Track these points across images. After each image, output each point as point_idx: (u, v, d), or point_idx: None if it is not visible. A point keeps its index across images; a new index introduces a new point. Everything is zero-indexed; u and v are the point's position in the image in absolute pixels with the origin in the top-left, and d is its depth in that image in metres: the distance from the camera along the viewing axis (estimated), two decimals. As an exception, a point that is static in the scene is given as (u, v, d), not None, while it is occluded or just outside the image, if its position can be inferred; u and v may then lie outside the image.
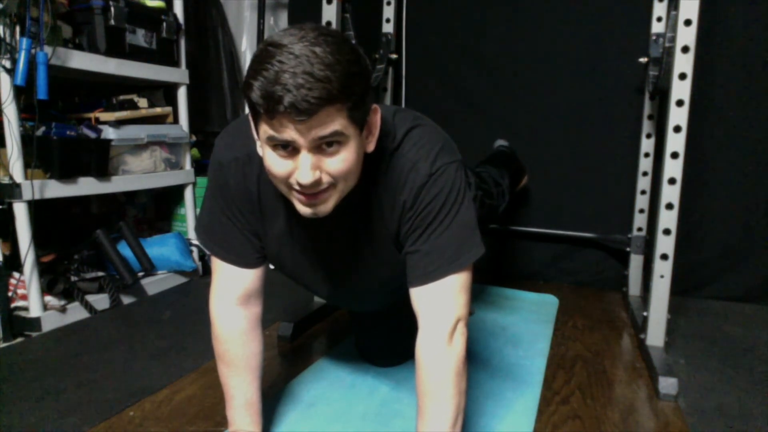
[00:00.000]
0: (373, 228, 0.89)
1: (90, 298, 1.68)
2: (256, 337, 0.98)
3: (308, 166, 0.70)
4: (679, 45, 1.29)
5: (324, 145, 0.71)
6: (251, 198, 0.90)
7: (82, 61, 1.65)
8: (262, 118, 0.69)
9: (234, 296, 0.95)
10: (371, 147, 0.79)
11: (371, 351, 1.35)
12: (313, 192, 0.74)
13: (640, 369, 1.38)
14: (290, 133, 0.68)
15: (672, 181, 1.34)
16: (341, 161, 0.72)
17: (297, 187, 0.74)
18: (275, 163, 0.73)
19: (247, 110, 0.75)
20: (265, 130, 0.70)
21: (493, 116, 2.16)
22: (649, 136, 1.85)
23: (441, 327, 0.83)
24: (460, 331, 0.84)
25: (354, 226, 0.90)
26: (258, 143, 0.77)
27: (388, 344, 1.32)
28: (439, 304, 0.84)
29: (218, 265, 0.95)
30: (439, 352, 0.83)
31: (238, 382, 0.96)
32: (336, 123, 0.69)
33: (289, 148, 0.71)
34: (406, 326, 1.35)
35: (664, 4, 1.72)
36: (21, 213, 1.48)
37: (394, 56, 2.15)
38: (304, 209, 0.77)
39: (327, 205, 0.77)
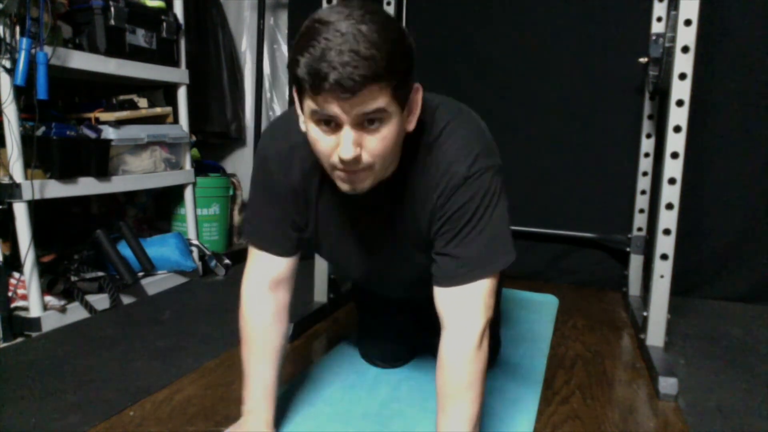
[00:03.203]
0: (407, 218, 0.92)
1: (90, 298, 1.68)
2: (281, 323, 1.01)
3: (350, 141, 0.72)
4: (679, 45, 1.30)
5: (366, 122, 0.72)
6: (295, 188, 0.94)
7: (82, 61, 1.65)
8: (307, 93, 0.71)
9: (265, 280, 0.98)
10: (411, 126, 0.81)
11: (374, 353, 1.34)
12: (353, 170, 0.76)
13: (640, 369, 1.38)
14: (334, 109, 0.70)
15: (672, 181, 1.34)
16: (381, 139, 0.74)
17: (339, 165, 0.75)
18: (318, 139, 0.75)
19: (285, 98, 0.77)
20: (309, 104, 0.72)
21: (492, 117, 2.09)
22: (649, 136, 1.85)
23: (471, 330, 0.84)
24: (487, 334, 0.86)
25: (391, 213, 0.93)
26: (302, 119, 0.79)
27: (392, 348, 1.33)
28: (469, 307, 0.85)
29: (253, 252, 0.99)
30: (470, 355, 0.84)
31: (256, 364, 0.98)
32: (379, 100, 0.70)
33: (332, 124, 0.73)
34: (412, 330, 1.36)
35: (664, 4, 1.72)
36: (21, 213, 1.48)
37: (394, 56, 2.15)
38: (343, 185, 0.80)
39: (364, 184, 0.79)
